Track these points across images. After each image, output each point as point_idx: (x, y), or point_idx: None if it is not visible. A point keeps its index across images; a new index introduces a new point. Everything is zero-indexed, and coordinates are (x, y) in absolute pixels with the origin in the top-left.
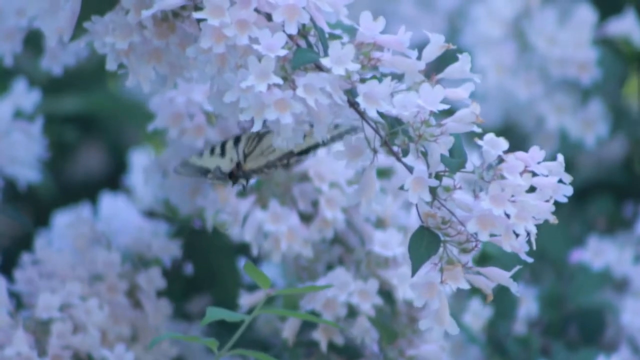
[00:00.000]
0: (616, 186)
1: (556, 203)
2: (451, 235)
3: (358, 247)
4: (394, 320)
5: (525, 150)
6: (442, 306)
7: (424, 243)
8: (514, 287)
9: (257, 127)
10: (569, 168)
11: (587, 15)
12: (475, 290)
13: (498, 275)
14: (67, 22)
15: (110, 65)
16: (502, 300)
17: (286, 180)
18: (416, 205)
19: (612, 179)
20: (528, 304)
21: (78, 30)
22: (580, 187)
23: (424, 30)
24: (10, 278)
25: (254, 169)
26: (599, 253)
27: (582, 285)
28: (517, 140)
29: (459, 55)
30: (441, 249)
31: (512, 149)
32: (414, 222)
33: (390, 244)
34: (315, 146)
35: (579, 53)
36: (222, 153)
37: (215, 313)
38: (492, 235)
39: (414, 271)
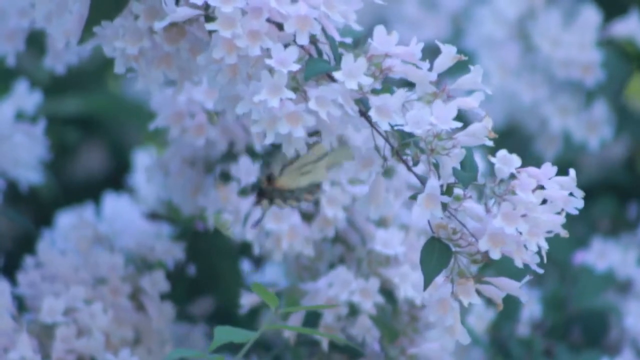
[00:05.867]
0: (619, 187)
1: None
2: (462, 246)
3: (359, 245)
4: (395, 319)
5: (529, 152)
6: (455, 320)
7: (436, 255)
8: (524, 297)
9: (269, 140)
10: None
11: (591, 16)
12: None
13: (508, 285)
14: (75, 26)
15: (119, 69)
16: (506, 302)
17: None
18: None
19: (615, 180)
20: (531, 306)
21: (86, 34)
22: (583, 188)
23: (430, 32)
24: (12, 281)
25: (283, 190)
26: (602, 255)
27: (585, 287)
28: (521, 141)
29: (471, 67)
30: (452, 260)
31: (515, 150)
32: (415, 221)
33: (392, 242)
34: None
35: (583, 54)
36: None
37: (224, 334)
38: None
39: (427, 284)
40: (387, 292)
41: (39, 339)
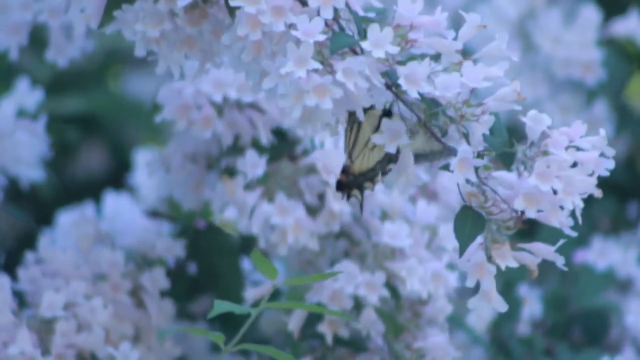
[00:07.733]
0: (619, 186)
1: None
2: (494, 213)
3: (364, 240)
4: (398, 314)
5: None
6: (491, 286)
7: (469, 223)
8: (560, 261)
9: (296, 114)
10: None
11: (591, 15)
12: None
13: (543, 251)
14: (95, 10)
15: (139, 52)
16: (506, 301)
17: (293, 173)
18: (458, 184)
19: (615, 179)
20: (532, 305)
21: (105, 18)
22: None
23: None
24: (13, 277)
25: (363, 172)
26: (603, 254)
27: (586, 286)
28: (522, 140)
29: (497, 34)
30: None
31: None
32: (420, 216)
33: (400, 234)
34: (425, 155)
35: (583, 53)
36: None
37: (223, 306)
38: (538, 211)
39: (462, 251)
40: (391, 287)
41: (38, 334)
